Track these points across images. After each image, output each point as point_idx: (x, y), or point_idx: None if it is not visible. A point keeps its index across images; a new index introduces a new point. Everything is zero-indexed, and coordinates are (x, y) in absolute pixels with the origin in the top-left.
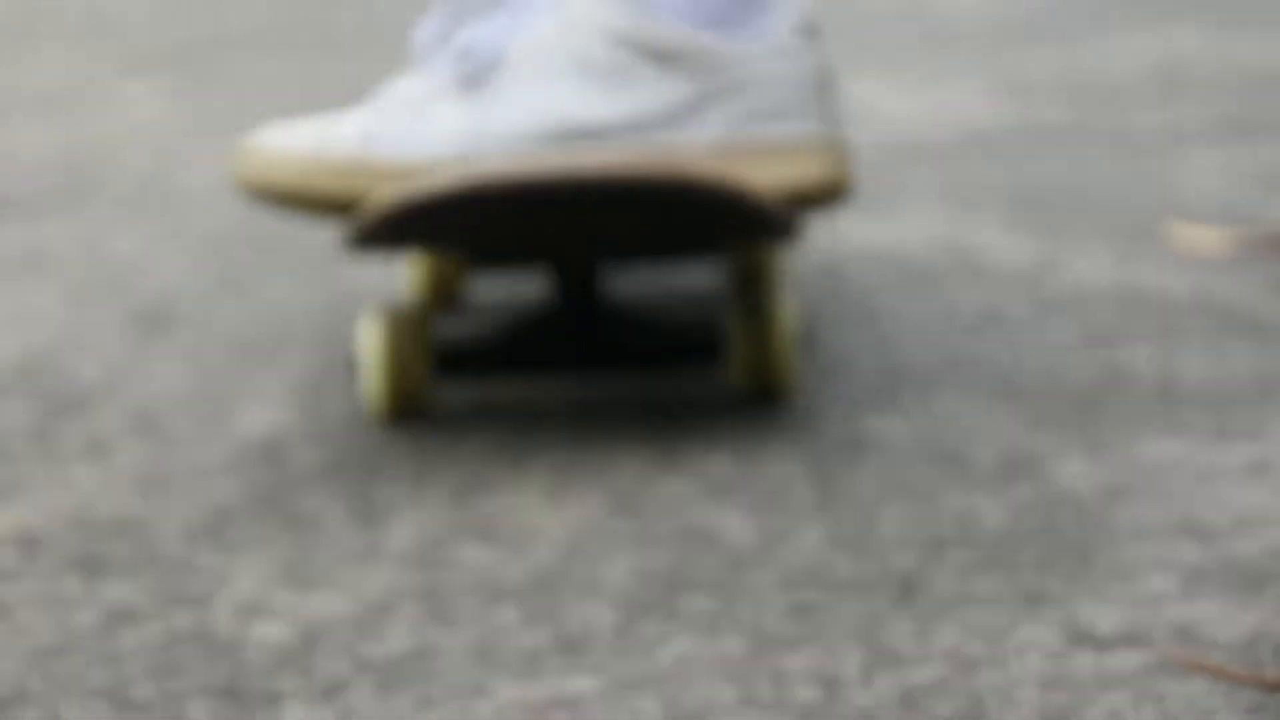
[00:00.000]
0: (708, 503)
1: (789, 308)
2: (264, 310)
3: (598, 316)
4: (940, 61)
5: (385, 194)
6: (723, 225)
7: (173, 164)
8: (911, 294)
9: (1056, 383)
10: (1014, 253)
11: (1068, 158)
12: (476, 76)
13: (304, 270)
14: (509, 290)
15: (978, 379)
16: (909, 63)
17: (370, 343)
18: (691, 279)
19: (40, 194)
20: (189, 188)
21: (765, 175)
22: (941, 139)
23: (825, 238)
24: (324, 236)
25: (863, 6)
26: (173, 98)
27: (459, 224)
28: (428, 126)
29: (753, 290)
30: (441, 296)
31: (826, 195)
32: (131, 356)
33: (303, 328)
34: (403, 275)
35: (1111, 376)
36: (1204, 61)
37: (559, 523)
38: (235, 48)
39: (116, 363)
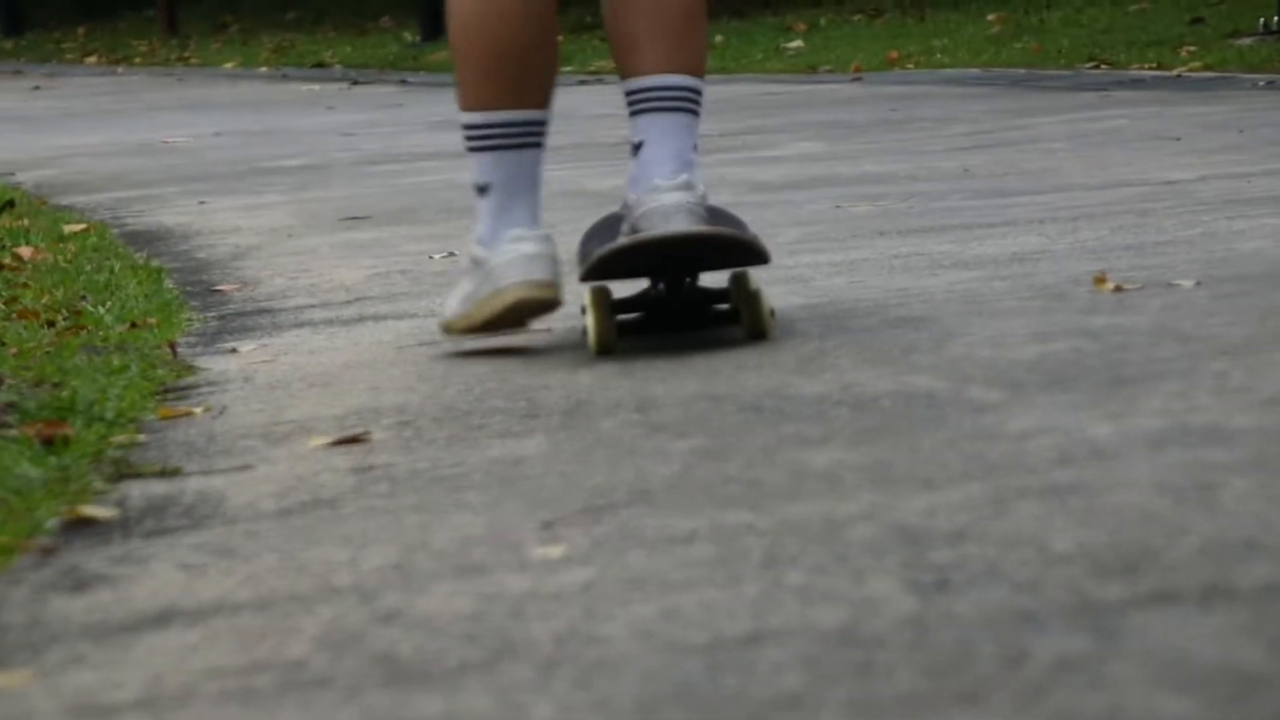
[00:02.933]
0: None
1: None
2: None
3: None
4: None
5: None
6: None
7: (589, 625)
8: None
9: None
10: None
11: None
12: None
13: None
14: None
15: None
16: None
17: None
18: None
19: (454, 660)
20: (607, 650)
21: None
22: None
23: None
24: (747, 684)
25: None
26: (588, 556)
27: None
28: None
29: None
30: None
31: None
32: None
33: None
34: None
35: None
36: None
37: None
38: (653, 503)
39: None
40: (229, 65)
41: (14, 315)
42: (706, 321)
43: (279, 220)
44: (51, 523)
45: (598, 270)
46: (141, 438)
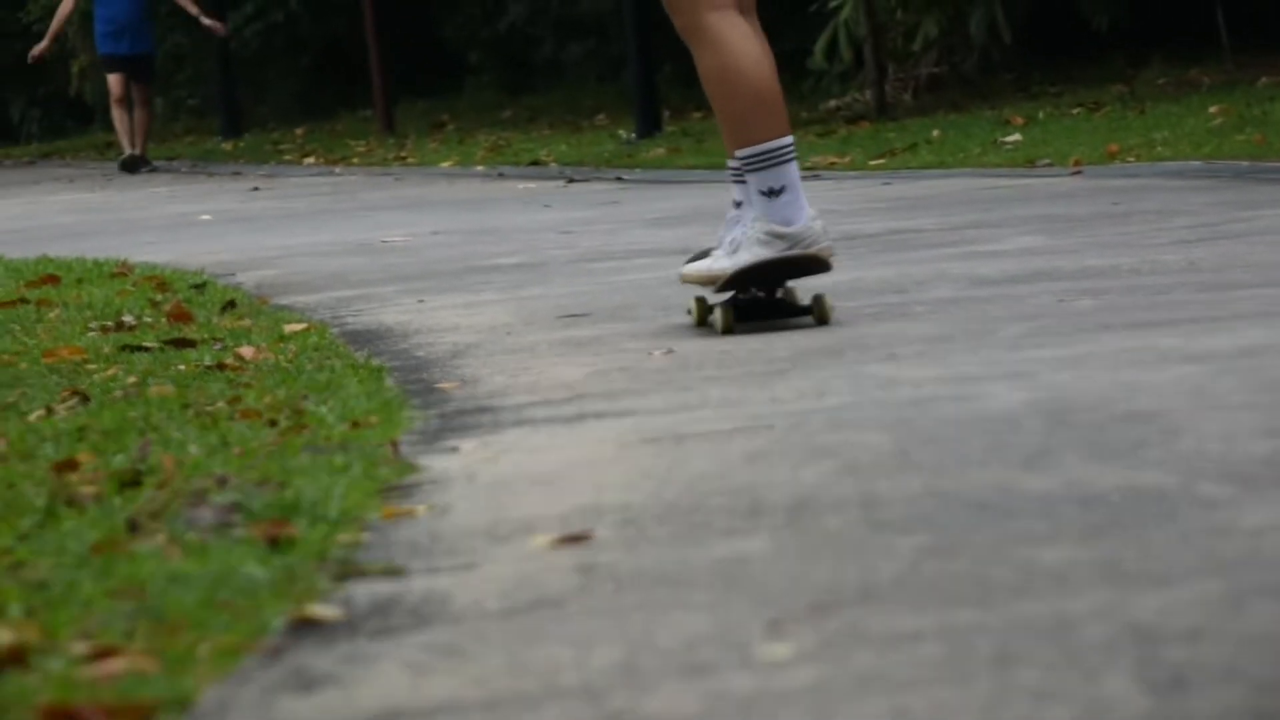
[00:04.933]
0: None
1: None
2: None
3: (779, 299)
4: None
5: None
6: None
7: None
8: None
9: None
10: None
11: None
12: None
13: None
14: None
15: None
16: None
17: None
18: None
19: None
20: None
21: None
22: None
23: None
24: None
25: None
26: (816, 655)
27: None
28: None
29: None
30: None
31: None
32: None
33: None
34: None
35: None
36: None
37: None
38: (880, 601)
39: None
40: (446, 164)
41: (237, 415)
42: (791, 314)
43: (498, 318)
44: (278, 623)
45: (728, 287)
46: (365, 537)
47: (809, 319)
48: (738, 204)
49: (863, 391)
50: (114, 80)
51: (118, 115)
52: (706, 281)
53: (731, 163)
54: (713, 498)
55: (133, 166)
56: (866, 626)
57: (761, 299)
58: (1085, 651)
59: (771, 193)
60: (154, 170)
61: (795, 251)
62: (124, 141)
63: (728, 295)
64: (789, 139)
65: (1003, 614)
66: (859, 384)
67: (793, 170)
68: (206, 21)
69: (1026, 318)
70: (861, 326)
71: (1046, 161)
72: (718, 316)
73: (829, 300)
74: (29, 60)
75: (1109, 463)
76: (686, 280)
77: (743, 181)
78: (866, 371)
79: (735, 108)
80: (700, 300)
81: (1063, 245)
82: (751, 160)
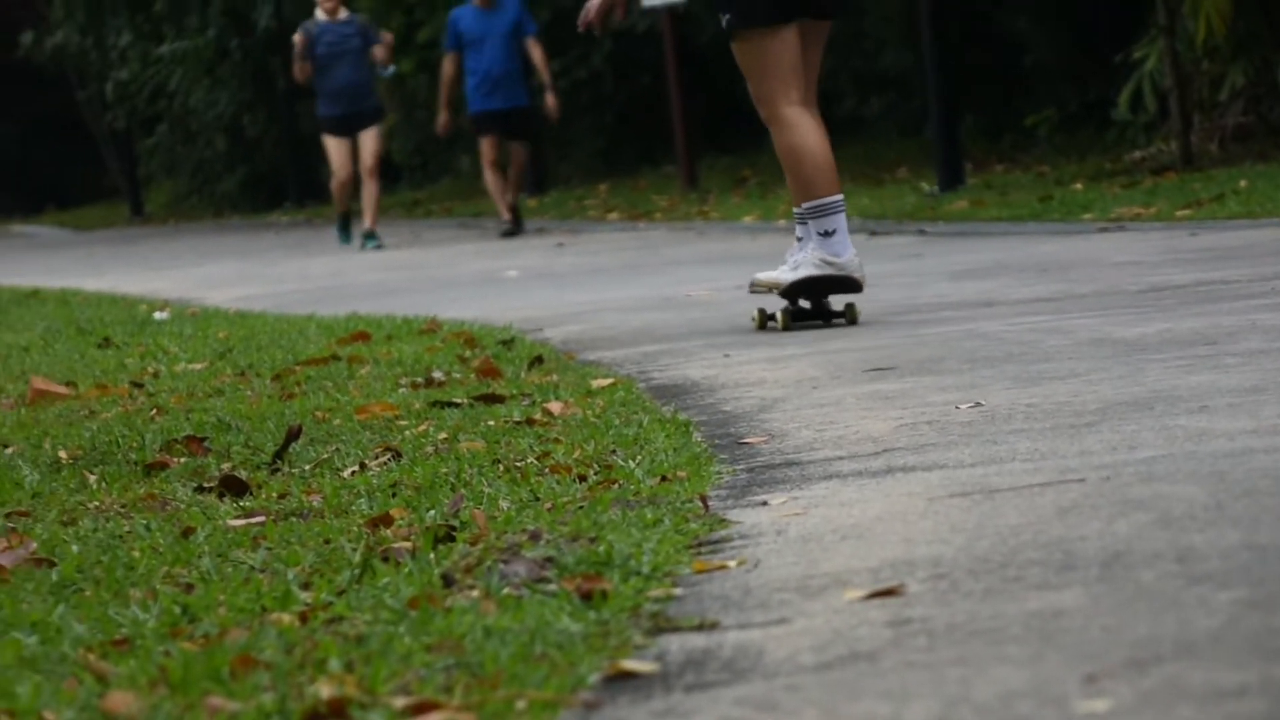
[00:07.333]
0: None
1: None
2: None
3: (825, 308)
4: None
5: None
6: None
7: None
8: None
9: None
10: None
11: None
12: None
13: None
14: None
15: None
16: None
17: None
18: None
19: None
20: None
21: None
22: None
23: None
24: None
25: None
26: (1135, 710)
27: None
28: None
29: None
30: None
31: None
32: None
33: None
34: None
35: None
36: None
37: None
38: (1199, 656)
39: None
40: (748, 219)
41: (546, 470)
42: (832, 317)
43: (803, 372)
44: (593, 677)
45: (787, 293)
46: (677, 591)
47: (842, 320)
48: (800, 239)
49: (1174, 444)
50: (486, 144)
51: (491, 179)
52: (772, 286)
53: (797, 210)
54: (1025, 551)
55: (513, 233)
56: (1186, 681)
57: (808, 309)
58: None
59: (826, 234)
60: (514, 233)
61: (839, 273)
62: (500, 206)
63: (785, 303)
64: (840, 196)
65: None
66: (1170, 436)
67: (841, 219)
68: (551, 99)
69: None
70: (1172, 379)
71: None
72: (778, 318)
73: (857, 307)
74: (438, 132)
75: None
76: (756, 284)
77: (804, 224)
78: (1177, 424)
79: (802, 173)
80: (761, 310)
81: None
82: (812, 210)
